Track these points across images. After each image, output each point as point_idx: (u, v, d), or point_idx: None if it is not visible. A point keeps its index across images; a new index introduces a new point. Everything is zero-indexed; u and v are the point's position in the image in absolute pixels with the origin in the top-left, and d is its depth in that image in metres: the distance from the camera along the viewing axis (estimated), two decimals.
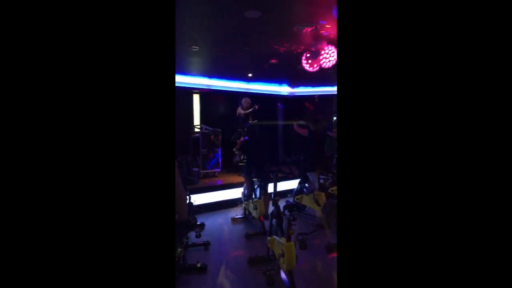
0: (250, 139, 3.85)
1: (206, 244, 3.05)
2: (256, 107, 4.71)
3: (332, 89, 7.14)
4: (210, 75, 6.01)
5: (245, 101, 4.80)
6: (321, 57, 3.65)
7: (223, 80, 6.32)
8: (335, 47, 3.62)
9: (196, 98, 6.39)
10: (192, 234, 3.15)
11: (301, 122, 4.29)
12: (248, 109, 4.76)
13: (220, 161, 5.24)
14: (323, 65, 3.73)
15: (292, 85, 7.22)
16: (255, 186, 3.83)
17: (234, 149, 5.10)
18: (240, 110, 4.77)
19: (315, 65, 3.75)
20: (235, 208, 4.51)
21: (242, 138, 4.31)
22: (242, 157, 4.21)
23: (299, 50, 3.94)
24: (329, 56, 3.63)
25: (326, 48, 3.62)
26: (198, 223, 3.49)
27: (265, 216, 3.45)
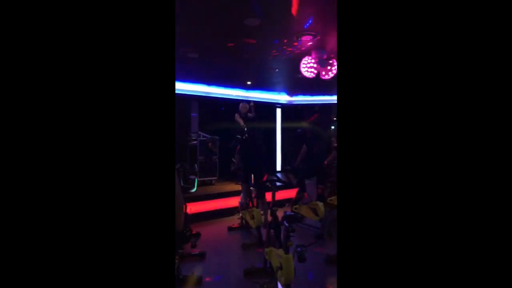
0: (247, 145, 3.80)
1: (202, 255, 2.97)
2: (252, 103, 4.66)
3: (331, 98, 7.15)
4: (209, 83, 6.00)
5: (242, 106, 4.76)
6: (324, 70, 3.65)
7: (222, 87, 6.31)
8: (334, 58, 3.63)
9: (194, 105, 6.37)
10: (188, 244, 3.08)
11: (303, 125, 4.26)
12: (245, 113, 4.72)
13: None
14: (323, 77, 3.73)
15: (291, 93, 7.23)
16: (253, 195, 3.77)
17: (233, 159, 5.03)
18: (238, 115, 4.72)
19: (314, 71, 3.75)
20: (232, 217, 4.44)
21: (239, 146, 4.25)
22: (239, 165, 4.15)
23: (298, 58, 3.93)
24: (333, 69, 3.64)
25: (330, 61, 3.63)
26: (194, 232, 3.41)
27: (264, 225, 3.38)
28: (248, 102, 4.70)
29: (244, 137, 4.09)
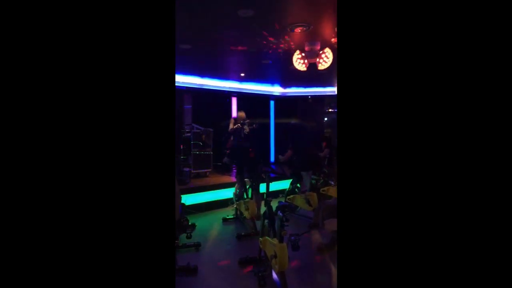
0: (240, 142, 3.80)
1: (197, 245, 3.01)
2: (255, 126, 4.36)
3: (324, 90, 7.17)
4: (202, 74, 5.95)
5: (240, 115, 4.45)
6: (318, 59, 3.64)
7: (215, 79, 6.27)
8: (330, 49, 3.63)
9: (187, 97, 6.32)
10: (183, 235, 3.10)
11: (294, 120, 4.28)
12: (242, 121, 4.41)
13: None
14: (318, 67, 3.72)
15: (284, 85, 7.23)
16: (247, 186, 3.80)
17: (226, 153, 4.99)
18: (233, 121, 4.45)
19: (306, 63, 3.74)
20: (226, 209, 4.47)
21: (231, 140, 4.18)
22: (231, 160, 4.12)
23: (291, 50, 3.93)
24: (326, 58, 3.63)
25: (323, 50, 3.62)
26: (189, 223, 3.43)
27: (257, 216, 3.42)
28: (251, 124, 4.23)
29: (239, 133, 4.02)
